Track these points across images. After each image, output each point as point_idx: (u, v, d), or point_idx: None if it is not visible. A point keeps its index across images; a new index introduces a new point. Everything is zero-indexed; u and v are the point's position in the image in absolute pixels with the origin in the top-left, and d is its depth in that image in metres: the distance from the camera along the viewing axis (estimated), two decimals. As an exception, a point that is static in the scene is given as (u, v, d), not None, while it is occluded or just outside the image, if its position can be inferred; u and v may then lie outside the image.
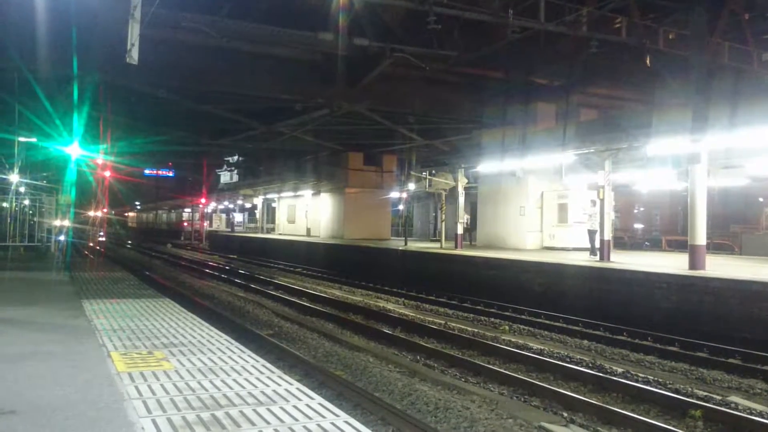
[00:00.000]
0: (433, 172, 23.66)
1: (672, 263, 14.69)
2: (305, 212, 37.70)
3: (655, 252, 22.37)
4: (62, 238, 21.14)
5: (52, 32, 14.12)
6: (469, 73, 19.22)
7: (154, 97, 20.51)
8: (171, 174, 46.27)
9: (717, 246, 22.32)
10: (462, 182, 21.65)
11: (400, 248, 22.07)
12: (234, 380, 4.52)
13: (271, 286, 20.11)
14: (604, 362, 9.57)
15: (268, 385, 4.40)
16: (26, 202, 21.85)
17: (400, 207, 34.85)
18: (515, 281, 15.82)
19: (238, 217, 59.05)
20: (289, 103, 21.34)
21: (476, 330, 12.31)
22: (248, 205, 53.96)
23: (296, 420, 3.64)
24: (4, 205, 18.89)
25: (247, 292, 18.84)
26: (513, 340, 11.30)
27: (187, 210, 67.12)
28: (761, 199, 28.00)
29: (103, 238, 47.84)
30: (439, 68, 18.00)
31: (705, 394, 7.83)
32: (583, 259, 15.83)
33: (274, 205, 45.56)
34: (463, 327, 12.65)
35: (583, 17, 15.43)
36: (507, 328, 12.77)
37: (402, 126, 25.04)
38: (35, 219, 21.49)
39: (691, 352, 10.27)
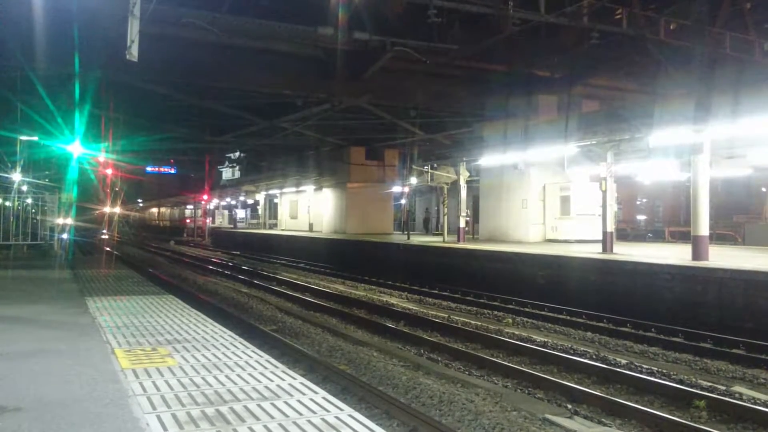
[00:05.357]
0: (435, 165, 23.60)
1: (675, 254, 14.67)
2: (307, 208, 37.72)
3: (658, 243, 22.34)
4: (65, 236, 21.18)
5: (54, 30, 14.13)
6: (471, 66, 19.17)
7: (155, 94, 20.54)
8: (173, 171, 46.44)
9: (720, 236, 22.28)
10: (464, 176, 21.59)
11: (403, 243, 22.07)
12: (238, 375, 4.52)
13: (274, 281, 20.12)
14: (608, 354, 9.58)
15: (272, 380, 4.41)
16: (29, 200, 21.87)
17: (403, 201, 34.84)
18: (518, 274, 15.81)
19: (240, 214, 59.14)
20: (290, 99, 21.34)
21: (479, 323, 12.32)
22: (250, 201, 54.01)
23: (300, 414, 3.65)
24: (7, 203, 18.89)
25: (250, 288, 18.86)
26: (516, 332, 11.30)
27: (190, 207, 67.20)
28: (764, 189, 27.88)
29: (106, 236, 47.92)
30: (440, 62, 17.97)
31: (709, 384, 7.83)
32: (586, 251, 15.81)
33: (276, 200, 45.58)
34: (466, 320, 12.65)
35: (584, 8, 15.37)
36: (510, 320, 12.78)
37: (403, 120, 25.02)
38: (38, 217, 21.52)
39: (694, 342, 10.27)
